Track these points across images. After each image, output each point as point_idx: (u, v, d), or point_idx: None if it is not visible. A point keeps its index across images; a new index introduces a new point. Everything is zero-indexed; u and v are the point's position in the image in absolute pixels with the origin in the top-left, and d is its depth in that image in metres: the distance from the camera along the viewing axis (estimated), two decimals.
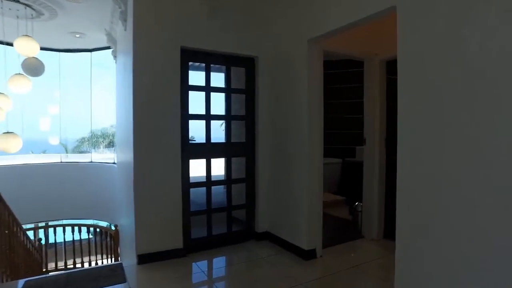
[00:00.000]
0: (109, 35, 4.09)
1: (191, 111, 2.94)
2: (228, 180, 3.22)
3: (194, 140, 3.01)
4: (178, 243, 2.85)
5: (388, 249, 3.09)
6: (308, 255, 2.80)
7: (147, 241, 2.72)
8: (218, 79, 3.70)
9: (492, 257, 1.45)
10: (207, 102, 3.00)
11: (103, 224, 5.30)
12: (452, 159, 1.65)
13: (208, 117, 3.01)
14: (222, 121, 3.61)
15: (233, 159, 3.64)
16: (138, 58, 2.63)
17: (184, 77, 2.85)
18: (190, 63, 3.08)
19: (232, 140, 3.40)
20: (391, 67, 3.36)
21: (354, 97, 5.66)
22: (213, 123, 3.16)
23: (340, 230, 3.81)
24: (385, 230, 3.38)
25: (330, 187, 5.45)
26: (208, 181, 3.08)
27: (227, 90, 3.16)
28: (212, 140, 3.13)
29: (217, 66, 3.30)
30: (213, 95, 3.10)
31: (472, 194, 1.54)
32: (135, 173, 2.66)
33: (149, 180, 2.70)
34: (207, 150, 3.05)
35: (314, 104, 2.73)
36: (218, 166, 3.72)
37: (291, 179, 2.98)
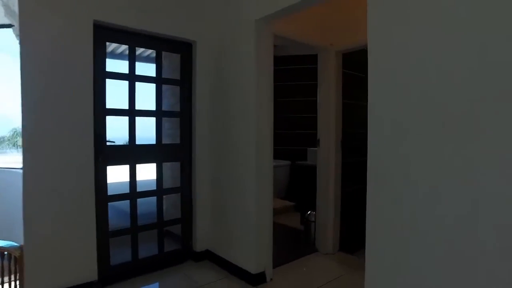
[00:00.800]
0: (6, 7, 3.24)
1: (111, 105, 2.31)
2: (159, 190, 2.63)
3: (113, 142, 2.37)
4: (91, 274, 2.20)
5: (346, 264, 2.74)
6: (256, 280, 2.33)
7: (43, 274, 2.04)
8: (151, 70, 3.08)
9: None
10: (131, 94, 2.39)
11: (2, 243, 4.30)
12: (443, 163, 1.28)
13: (132, 112, 2.40)
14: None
15: (170, 165, 3.05)
16: (28, 32, 1.94)
17: (99, 61, 2.21)
18: (111, 47, 2.45)
19: (166, 141, 2.81)
20: (348, 60, 3.04)
21: (307, 95, 5.36)
22: (143, 121, 2.56)
23: (292, 243, 3.41)
24: (341, 242, 3.04)
25: (278, 192, 5.06)
26: (133, 193, 2.46)
27: (158, 80, 2.57)
28: (141, 142, 2.52)
29: (151, 56, 2.71)
30: (143, 87, 2.51)
31: (456, 206, 1.18)
32: (23, 183, 1.97)
33: (45, 191, 2.02)
34: (132, 154, 2.44)
35: (263, 98, 2.27)
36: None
37: (236, 187, 2.49)
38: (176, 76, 2.73)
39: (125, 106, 2.38)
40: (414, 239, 1.36)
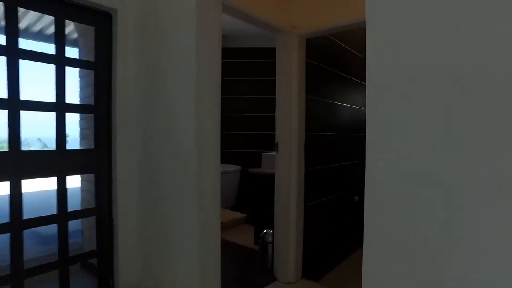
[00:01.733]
0: None
1: None
2: (60, 215, 1.86)
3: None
4: None
5: None
6: None
7: None
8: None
9: None
10: (11, 76, 1.62)
11: None
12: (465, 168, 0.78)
13: (12, 104, 1.62)
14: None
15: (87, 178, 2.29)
16: None
17: None
18: None
19: (82, 145, 2.05)
20: (313, 47, 2.53)
21: (261, 92, 4.83)
22: (42, 118, 1.79)
23: (244, 269, 2.83)
24: (304, 267, 2.53)
25: (226, 201, 4.45)
26: (14, 223, 1.67)
27: (58, 60, 1.81)
28: (35, 147, 1.75)
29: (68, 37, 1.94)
30: (42, 70, 1.74)
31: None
32: None
33: None
34: (14, 165, 1.65)
35: (207, 87, 1.65)
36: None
37: (171, 203, 1.83)
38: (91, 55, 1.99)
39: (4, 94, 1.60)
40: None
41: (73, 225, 2.03)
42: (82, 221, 2.56)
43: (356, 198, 3.45)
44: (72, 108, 1.94)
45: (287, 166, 2.40)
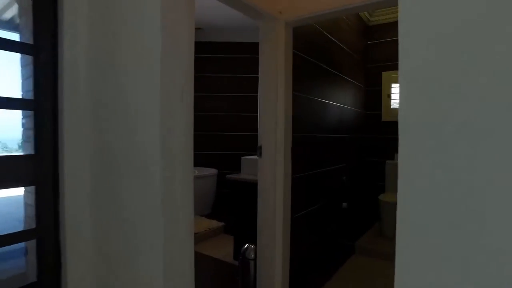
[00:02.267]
0: None
1: None
2: None
3: None
4: None
5: None
6: None
7: None
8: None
9: None
10: None
11: None
12: None
13: None
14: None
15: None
16: None
17: None
18: None
19: (26, 149, 1.63)
20: (300, 37, 2.24)
21: (244, 89, 4.50)
22: None
23: None
24: (291, 287, 2.23)
25: (202, 208, 4.09)
26: None
27: None
28: None
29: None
30: None
31: None
32: None
33: None
34: None
35: (175, 70, 1.29)
36: None
37: (131, 216, 1.47)
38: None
39: None
40: None
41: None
42: None
43: (344, 204, 3.19)
44: (4, 103, 1.53)
45: (272, 173, 2.08)
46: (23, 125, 2.03)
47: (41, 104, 1.57)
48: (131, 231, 1.47)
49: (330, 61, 2.82)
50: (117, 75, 1.48)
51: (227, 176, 2.71)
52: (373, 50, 3.93)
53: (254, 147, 3.70)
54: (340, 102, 3.09)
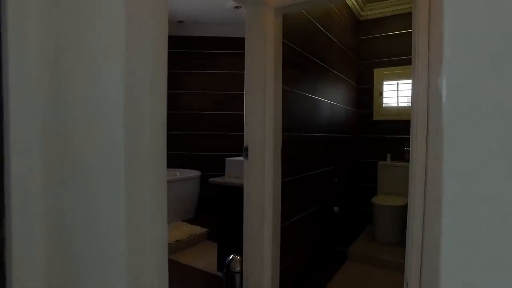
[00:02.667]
0: None
1: None
2: None
3: None
4: None
5: None
6: None
7: None
8: None
9: None
10: None
11: None
12: None
13: None
14: None
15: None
16: None
17: None
18: None
19: None
20: (289, 26, 2.03)
21: (229, 86, 4.28)
22: None
23: None
24: None
25: (183, 213, 3.84)
26: None
27: None
28: None
29: None
30: None
31: None
32: None
33: None
34: None
35: (141, 55, 1.06)
36: None
37: (91, 229, 1.22)
38: None
39: None
40: None
41: None
42: None
43: (336, 208, 3.00)
44: None
45: (259, 177, 1.86)
46: None
47: None
48: (85, 255, 1.22)
49: (322, 55, 2.62)
50: (73, 64, 1.23)
51: (209, 179, 2.48)
52: (364, 46, 3.77)
53: (240, 148, 3.48)
54: (332, 100, 2.90)
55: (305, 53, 2.30)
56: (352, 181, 3.67)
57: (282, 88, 1.96)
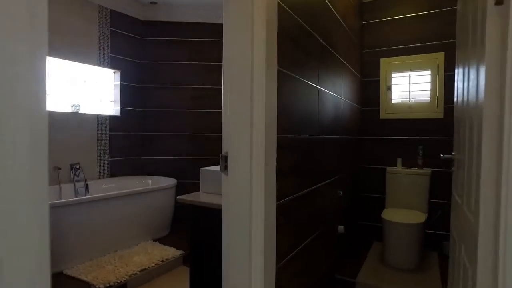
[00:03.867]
0: None
1: None
2: None
3: None
4: None
5: None
6: None
7: None
8: None
9: None
10: None
11: None
12: None
13: None
14: None
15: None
16: None
17: None
18: None
19: None
20: None
21: (208, 79, 3.69)
22: None
23: None
24: None
25: (155, 230, 3.21)
26: None
27: None
28: None
29: None
30: None
31: None
32: None
33: None
34: None
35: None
36: None
37: None
38: None
39: None
40: None
41: None
42: None
43: (341, 228, 2.42)
44: None
45: (244, 200, 1.25)
46: None
47: None
48: None
49: (326, 34, 2.04)
50: None
51: (178, 198, 1.84)
52: (368, 32, 3.20)
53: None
54: (337, 93, 2.32)
55: (307, 26, 1.71)
56: (355, 191, 3.10)
57: (277, 70, 1.36)
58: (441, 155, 1.69)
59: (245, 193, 1.24)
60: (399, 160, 3.04)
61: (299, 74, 1.61)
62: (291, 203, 1.55)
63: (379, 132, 3.18)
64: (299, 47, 1.62)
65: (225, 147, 1.31)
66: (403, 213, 2.72)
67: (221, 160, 1.30)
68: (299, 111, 1.64)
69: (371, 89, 3.20)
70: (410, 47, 3.02)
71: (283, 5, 1.42)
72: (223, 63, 1.32)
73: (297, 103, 1.61)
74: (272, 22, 1.33)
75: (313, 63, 1.82)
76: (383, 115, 3.16)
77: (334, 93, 2.25)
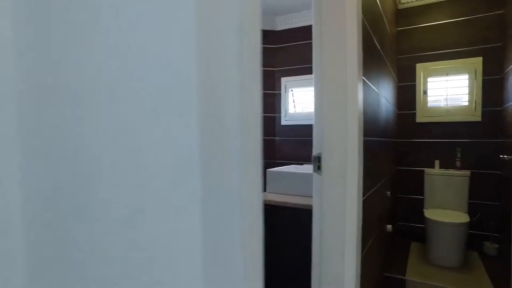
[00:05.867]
0: None
1: None
2: None
3: None
4: None
5: None
6: None
7: None
8: None
9: None
10: None
11: None
12: None
13: None
14: None
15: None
16: None
17: None
18: None
19: None
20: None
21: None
22: None
23: None
24: None
25: None
26: None
27: None
28: None
29: None
30: None
31: None
32: None
33: None
34: None
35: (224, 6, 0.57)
36: None
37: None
38: None
39: None
40: None
41: None
42: None
43: (389, 227, 2.51)
44: None
45: (339, 194, 1.36)
46: None
47: None
48: None
49: (381, 43, 2.15)
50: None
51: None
52: (403, 38, 3.32)
53: (282, 155, 2.96)
54: (386, 97, 2.42)
55: (373, 35, 1.82)
56: (393, 192, 3.19)
57: (362, 79, 1.47)
58: (503, 156, 1.79)
59: (340, 191, 1.35)
60: (436, 162, 3.14)
61: (370, 81, 1.72)
62: (367, 200, 1.65)
63: (415, 135, 3.27)
64: (370, 56, 1.73)
65: (317, 150, 1.41)
66: (446, 214, 2.81)
67: (314, 161, 1.40)
68: (370, 116, 1.75)
69: (406, 93, 3.30)
70: (446, 53, 3.12)
71: (363, 17, 1.53)
72: (314, 73, 1.43)
73: (369, 108, 1.72)
74: (359, 31, 1.44)
75: (376, 70, 1.93)
76: (419, 119, 3.26)
77: (385, 98, 2.36)
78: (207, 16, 0.42)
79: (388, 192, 2.53)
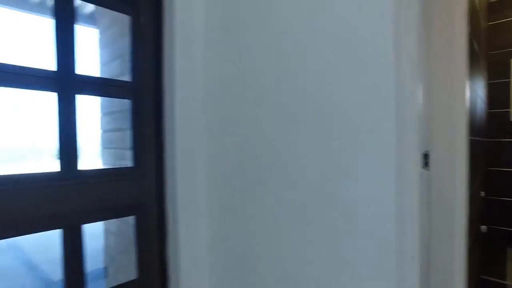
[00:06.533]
0: None
1: None
2: None
3: None
4: None
5: None
6: None
7: None
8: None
9: None
10: None
11: None
12: None
13: None
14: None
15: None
16: None
17: None
18: None
19: (107, 162, 1.11)
20: None
21: None
22: None
23: None
24: None
25: None
26: None
27: (59, 9, 0.88)
28: None
29: None
30: None
31: None
32: None
33: None
34: None
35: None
36: None
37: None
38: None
39: None
40: None
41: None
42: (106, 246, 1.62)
43: (483, 227, 2.44)
44: (85, 85, 0.97)
45: (449, 189, 1.41)
46: (103, 125, 1.52)
47: (140, 89, 1.02)
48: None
49: (477, 40, 2.11)
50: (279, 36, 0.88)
51: None
52: (496, 33, 3.14)
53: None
54: (479, 95, 2.36)
55: (472, 34, 1.82)
56: (490, 194, 3.05)
57: (468, 79, 1.51)
58: None
59: (450, 186, 1.40)
60: None
61: (472, 80, 1.73)
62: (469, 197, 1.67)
63: (508, 135, 3.09)
64: (471, 54, 1.74)
65: (424, 147, 1.48)
66: None
67: (422, 157, 1.48)
68: (471, 115, 1.76)
69: (498, 90, 3.13)
70: None
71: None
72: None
73: (471, 108, 1.73)
74: (464, 28, 1.48)
75: (474, 68, 1.92)
76: None
77: (480, 96, 2.30)
78: None
79: (483, 193, 2.45)
